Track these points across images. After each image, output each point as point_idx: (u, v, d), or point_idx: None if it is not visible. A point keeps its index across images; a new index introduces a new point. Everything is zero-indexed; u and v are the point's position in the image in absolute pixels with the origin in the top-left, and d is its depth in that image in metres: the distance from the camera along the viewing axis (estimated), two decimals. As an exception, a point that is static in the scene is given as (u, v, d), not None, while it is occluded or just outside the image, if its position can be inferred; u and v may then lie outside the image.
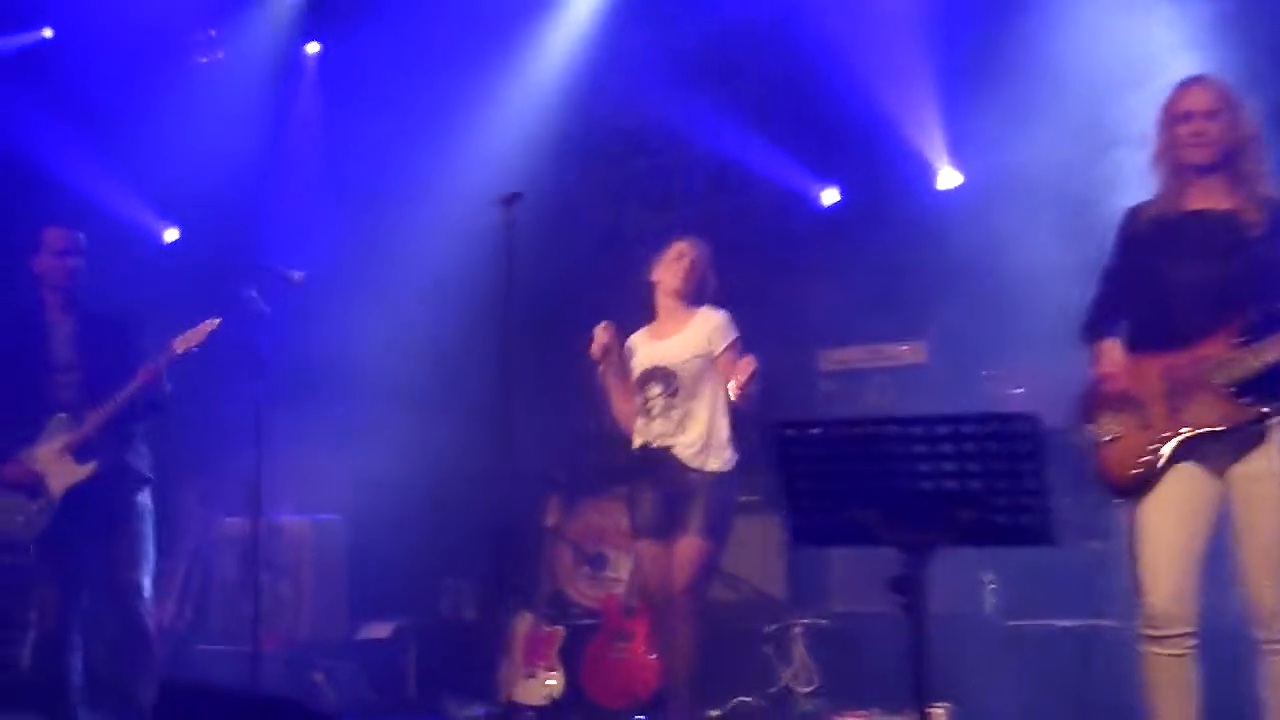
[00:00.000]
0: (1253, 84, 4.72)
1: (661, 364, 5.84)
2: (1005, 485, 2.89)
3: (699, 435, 5.74)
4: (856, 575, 6.79)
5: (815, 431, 2.95)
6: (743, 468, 7.12)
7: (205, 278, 8.53)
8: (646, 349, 5.96)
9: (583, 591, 7.62)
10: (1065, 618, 6.27)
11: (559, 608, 7.42)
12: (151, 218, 9.38)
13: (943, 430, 2.88)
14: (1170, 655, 4.21)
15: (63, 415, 5.74)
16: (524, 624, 7.25)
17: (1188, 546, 4.24)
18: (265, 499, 7.89)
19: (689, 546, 5.66)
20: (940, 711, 6.15)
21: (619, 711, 6.76)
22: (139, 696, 5.66)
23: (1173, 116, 4.37)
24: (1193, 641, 4.23)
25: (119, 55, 8.88)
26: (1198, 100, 4.34)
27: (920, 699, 2.98)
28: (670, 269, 5.95)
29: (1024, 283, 6.76)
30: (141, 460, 5.91)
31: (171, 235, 9.51)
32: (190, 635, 7.95)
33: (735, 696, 6.64)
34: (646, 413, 5.84)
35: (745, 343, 5.80)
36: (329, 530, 7.99)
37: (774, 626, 6.74)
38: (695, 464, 5.72)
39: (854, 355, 7.03)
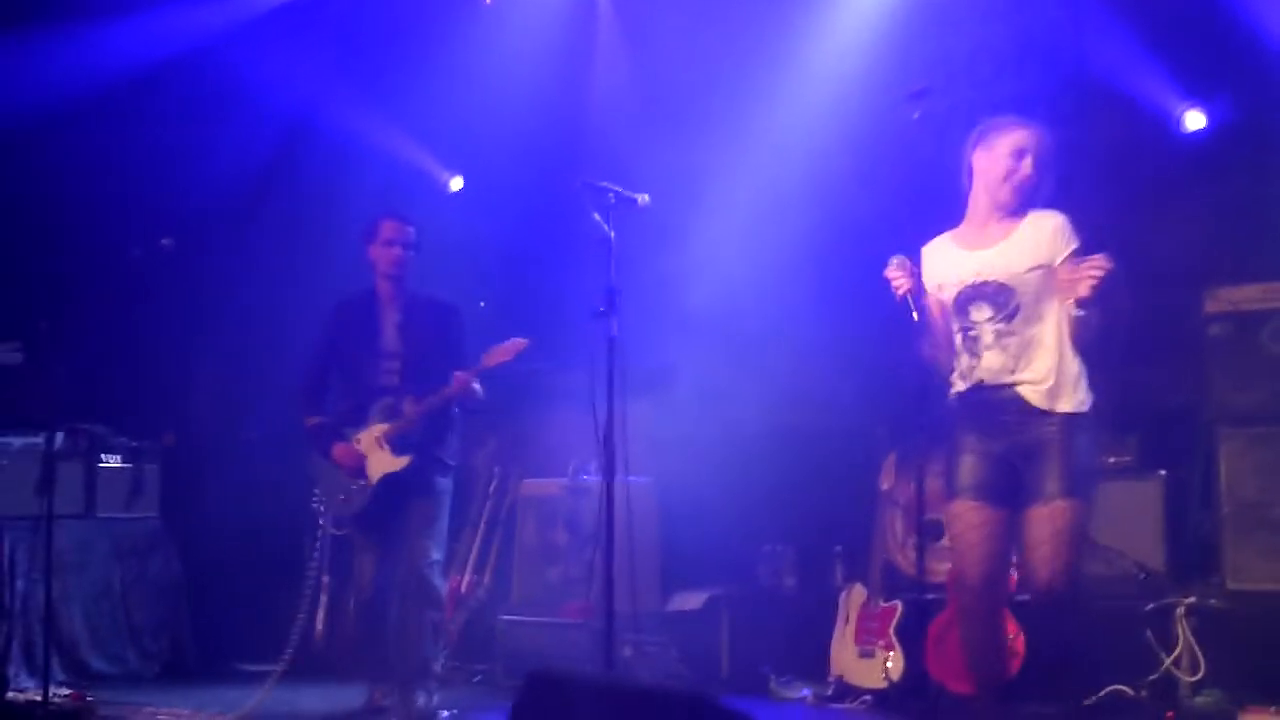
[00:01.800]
0: None
1: (991, 278, 4.53)
2: None
3: (1048, 368, 4.49)
4: (1252, 547, 5.87)
5: None
6: (1110, 422, 6.38)
7: (500, 223, 8.20)
8: (959, 261, 4.64)
9: (914, 563, 6.84)
10: None
11: (892, 580, 6.68)
12: (436, 167, 8.96)
13: None
14: None
15: (386, 400, 6.01)
16: (857, 597, 6.56)
17: None
18: (566, 458, 7.52)
19: (1054, 514, 4.40)
20: None
21: (970, 698, 6.00)
22: (430, 670, 6.12)
23: None
24: None
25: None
26: None
27: None
28: (1001, 167, 4.59)
29: None
30: (449, 450, 6.13)
31: (457, 184, 9.06)
32: (490, 604, 7.45)
33: (1109, 684, 5.81)
34: (970, 344, 4.59)
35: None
36: (639, 492, 7.25)
37: (1153, 605, 5.86)
38: (1045, 405, 4.48)
39: (1249, 295, 6.04)
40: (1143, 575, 6.01)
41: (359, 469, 5.97)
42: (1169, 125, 7.12)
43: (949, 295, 4.64)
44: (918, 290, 4.63)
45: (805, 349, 7.22)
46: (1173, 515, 6.11)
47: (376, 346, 6.06)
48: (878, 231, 7.37)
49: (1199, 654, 5.72)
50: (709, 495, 7.20)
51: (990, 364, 4.57)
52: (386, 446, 5.93)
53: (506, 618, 7.27)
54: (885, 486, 6.70)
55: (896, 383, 7.16)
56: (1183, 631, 5.78)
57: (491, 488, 7.74)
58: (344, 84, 8.25)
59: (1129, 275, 6.60)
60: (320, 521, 6.13)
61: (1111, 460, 6.25)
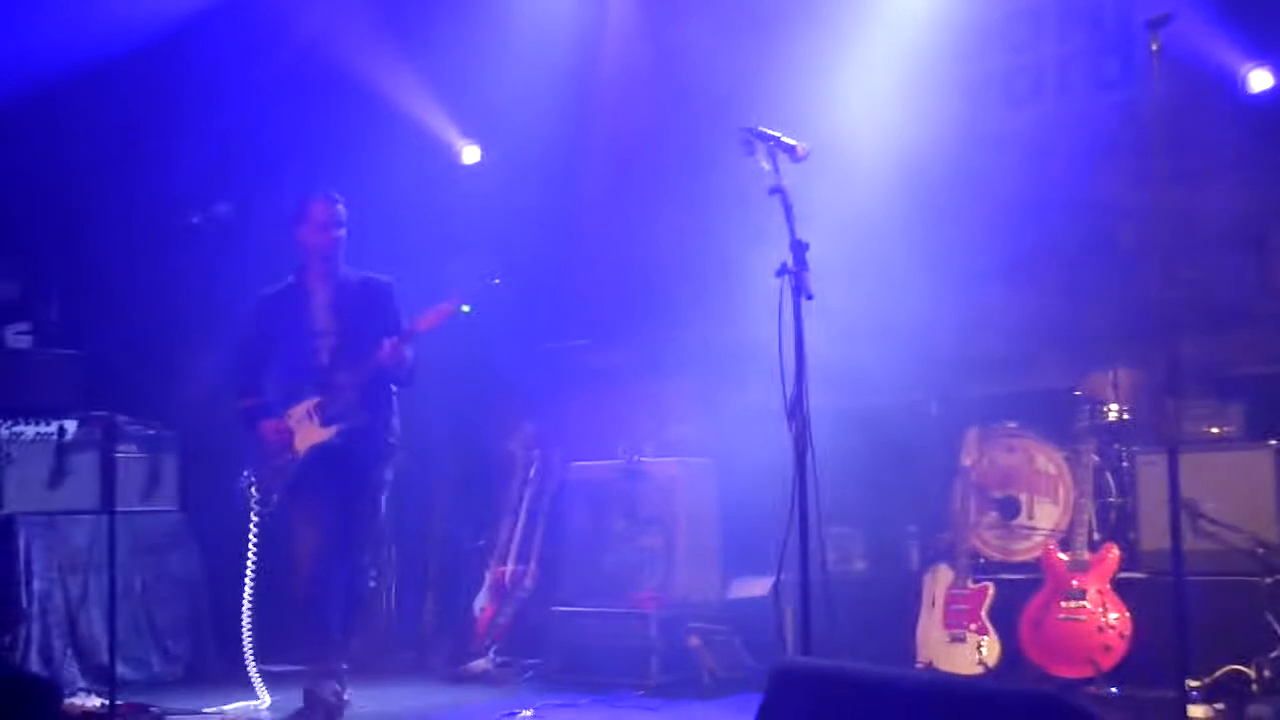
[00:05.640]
0: None
1: None
2: None
3: None
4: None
5: None
6: (1214, 391, 6.19)
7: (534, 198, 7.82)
8: None
9: (988, 542, 6.56)
10: None
11: (976, 560, 6.40)
12: (455, 136, 8.51)
13: None
14: None
15: (319, 377, 5.92)
16: (943, 579, 6.25)
17: None
18: (613, 439, 7.14)
19: None
20: None
21: (1074, 682, 5.74)
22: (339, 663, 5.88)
23: None
24: None
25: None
26: None
27: None
28: None
29: None
30: (384, 426, 6.00)
31: (473, 155, 8.63)
32: (539, 596, 7.06)
33: (1224, 664, 5.55)
34: None
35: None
36: (699, 473, 7.01)
37: (1272, 579, 5.64)
38: None
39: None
40: (1260, 549, 5.76)
41: (287, 444, 5.89)
42: (1231, 86, 6.95)
43: None
44: None
45: (857, 325, 6.91)
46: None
47: (309, 327, 6.00)
48: (924, 216, 7.29)
49: (1322, 629, 5.50)
50: (773, 474, 6.85)
51: None
52: (315, 418, 5.86)
53: (559, 609, 6.90)
54: (967, 463, 6.41)
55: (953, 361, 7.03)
56: (1301, 606, 5.56)
57: (532, 472, 7.34)
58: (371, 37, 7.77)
59: (1202, 241, 6.54)
60: (254, 505, 5.91)
61: (1216, 430, 6.03)
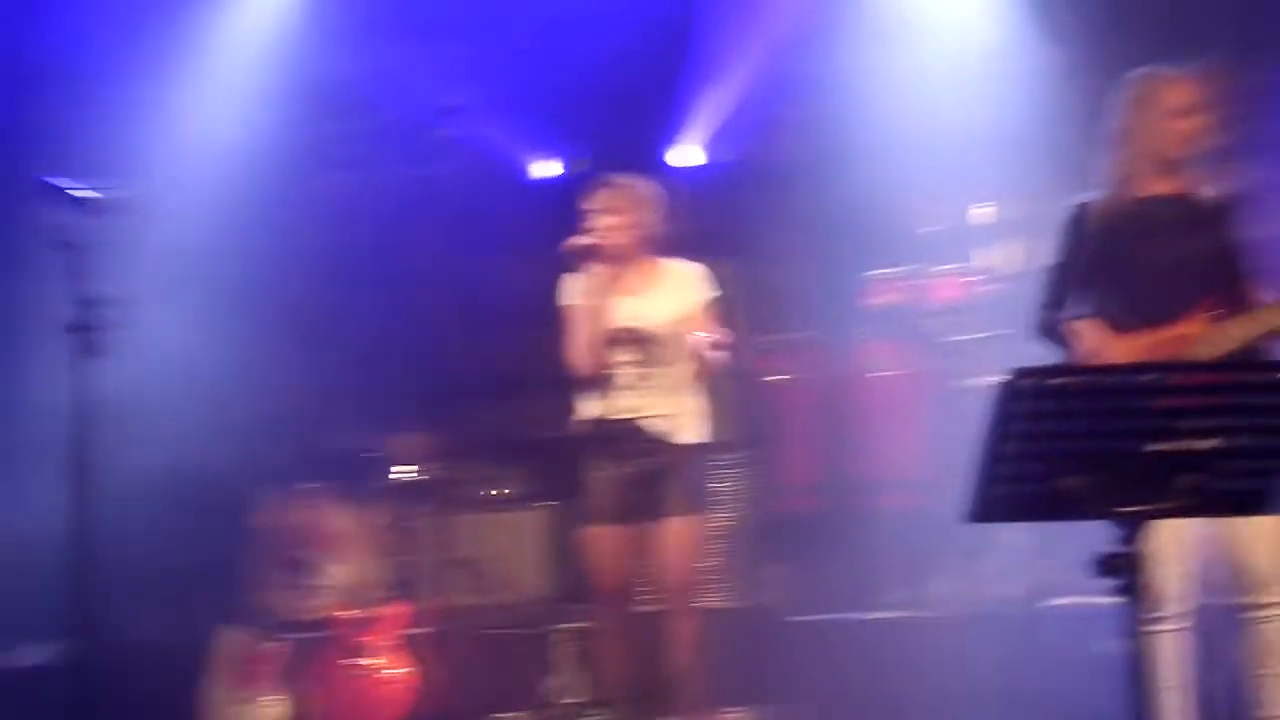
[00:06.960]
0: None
1: (634, 326, 5.00)
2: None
3: (675, 406, 5.00)
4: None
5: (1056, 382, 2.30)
6: (503, 460, 6.60)
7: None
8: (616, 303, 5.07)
9: (281, 601, 6.58)
10: (856, 610, 5.98)
11: (269, 620, 6.42)
12: None
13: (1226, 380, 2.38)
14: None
15: None
16: (232, 641, 6.21)
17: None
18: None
19: (684, 529, 4.98)
20: (740, 716, 5.72)
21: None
22: None
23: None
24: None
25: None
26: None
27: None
28: (611, 217, 5.07)
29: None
30: None
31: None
32: None
33: (494, 713, 5.93)
34: (606, 380, 5.01)
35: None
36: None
37: (536, 631, 6.07)
38: (669, 437, 4.98)
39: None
40: (528, 603, 6.20)
41: None
42: (517, 170, 7.54)
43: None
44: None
45: (163, 381, 6.77)
46: (558, 543, 6.36)
47: None
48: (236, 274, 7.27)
49: (583, 675, 5.96)
50: (52, 535, 6.53)
51: (624, 403, 4.98)
52: None
53: None
54: (262, 522, 6.44)
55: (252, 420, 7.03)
56: (566, 655, 6.01)
57: None
58: None
59: (494, 312, 6.99)
60: None
61: (504, 491, 6.43)
